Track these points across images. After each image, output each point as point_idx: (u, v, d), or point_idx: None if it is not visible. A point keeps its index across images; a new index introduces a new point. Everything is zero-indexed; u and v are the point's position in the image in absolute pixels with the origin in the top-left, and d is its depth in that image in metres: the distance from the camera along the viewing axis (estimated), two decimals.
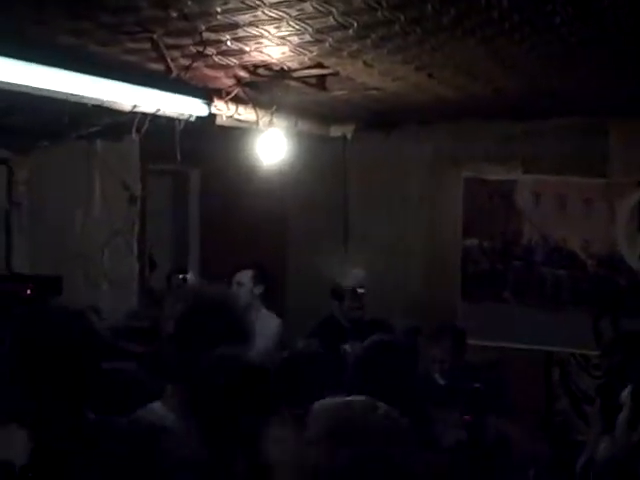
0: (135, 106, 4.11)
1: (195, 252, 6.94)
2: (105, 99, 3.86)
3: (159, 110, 4.20)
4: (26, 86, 3.58)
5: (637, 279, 6.02)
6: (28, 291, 5.61)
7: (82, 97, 3.76)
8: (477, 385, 4.34)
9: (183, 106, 4.14)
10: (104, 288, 6.08)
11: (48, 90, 3.60)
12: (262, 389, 2.36)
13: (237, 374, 2.31)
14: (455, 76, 4.65)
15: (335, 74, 4.52)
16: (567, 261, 6.27)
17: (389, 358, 3.33)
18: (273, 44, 3.82)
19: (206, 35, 3.63)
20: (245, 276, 5.65)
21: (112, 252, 6.13)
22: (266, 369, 2.45)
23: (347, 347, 5.01)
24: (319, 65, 4.30)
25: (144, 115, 4.64)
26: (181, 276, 6.11)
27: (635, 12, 3.25)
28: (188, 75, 4.23)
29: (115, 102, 4.04)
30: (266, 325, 5.41)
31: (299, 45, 3.84)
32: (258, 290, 5.66)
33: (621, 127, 6.00)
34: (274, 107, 5.19)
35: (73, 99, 3.87)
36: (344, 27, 3.49)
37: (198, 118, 4.37)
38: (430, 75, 4.57)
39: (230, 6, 3.19)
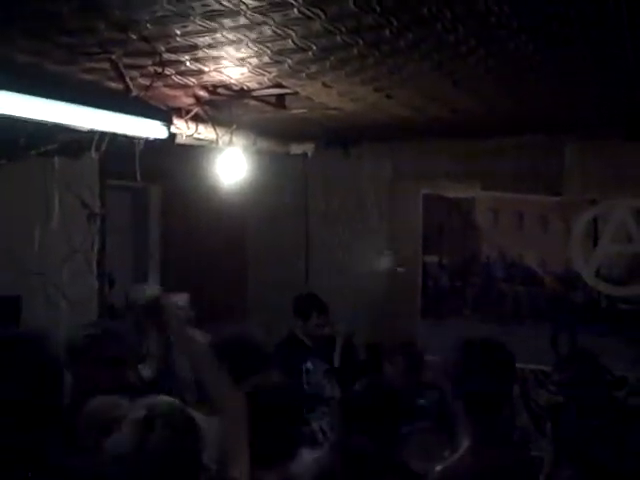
0: (93, 127, 4.09)
1: (155, 269, 6.89)
2: (63, 120, 3.82)
3: (118, 130, 4.18)
4: None
5: (593, 295, 6.12)
6: None
7: (40, 119, 3.72)
8: (422, 402, 4.39)
9: (142, 127, 4.12)
10: (63, 307, 6.01)
11: (3, 113, 3.56)
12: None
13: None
14: (413, 97, 4.71)
15: (294, 94, 4.55)
16: (525, 277, 6.36)
17: (381, 401, 3.33)
18: (232, 65, 3.85)
19: (165, 56, 3.65)
20: (181, 299, 5.52)
21: (71, 270, 6.07)
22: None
23: (309, 366, 5.00)
24: (278, 85, 4.33)
25: (103, 133, 4.62)
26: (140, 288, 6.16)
27: (584, 36, 3.33)
28: (148, 94, 4.23)
29: (73, 123, 4.01)
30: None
31: (258, 66, 3.87)
32: (192, 314, 5.53)
33: (576, 145, 6.11)
34: (234, 126, 5.20)
35: (31, 119, 3.84)
36: (303, 50, 3.53)
37: (157, 138, 4.36)
38: (388, 96, 4.63)
39: (189, 29, 3.21)
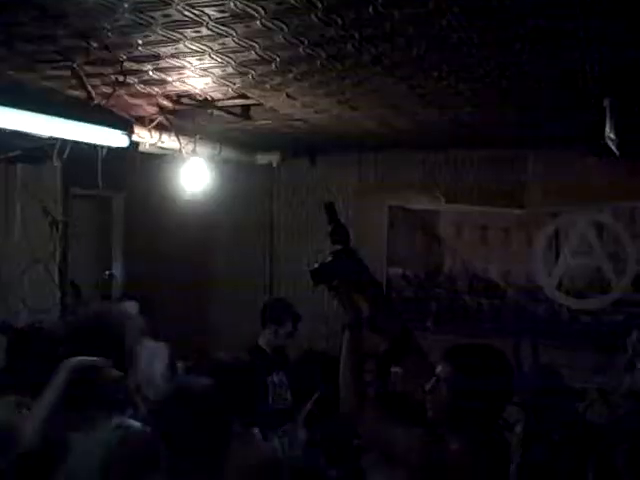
0: (55, 134, 4.05)
1: (118, 277, 6.82)
2: (23, 128, 3.78)
3: (79, 138, 4.14)
4: None
5: (555, 308, 6.17)
6: None
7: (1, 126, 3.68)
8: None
9: (103, 135, 4.09)
10: (24, 315, 5.93)
11: None
12: None
13: None
14: (377, 109, 4.72)
15: (259, 105, 4.54)
16: (488, 290, 6.39)
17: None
18: (196, 75, 3.83)
19: (127, 65, 3.62)
20: (131, 307, 5.45)
21: (32, 279, 5.99)
22: None
23: (274, 378, 4.86)
24: (243, 96, 4.32)
25: (65, 141, 4.57)
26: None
27: (547, 53, 3.36)
28: (110, 103, 4.19)
29: (34, 131, 3.97)
30: (156, 353, 5.26)
31: (222, 77, 3.86)
32: (142, 323, 5.45)
33: (539, 158, 6.17)
34: (197, 135, 5.18)
35: None
36: (266, 61, 3.53)
37: (118, 147, 4.33)
38: (353, 108, 4.64)
39: (151, 38, 3.18)
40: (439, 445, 2.41)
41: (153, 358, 5.14)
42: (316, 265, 2.87)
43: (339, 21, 2.90)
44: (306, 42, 3.20)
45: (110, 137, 4.10)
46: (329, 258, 2.92)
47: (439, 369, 2.51)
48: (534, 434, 4.44)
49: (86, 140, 4.10)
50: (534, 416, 4.50)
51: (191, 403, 2.37)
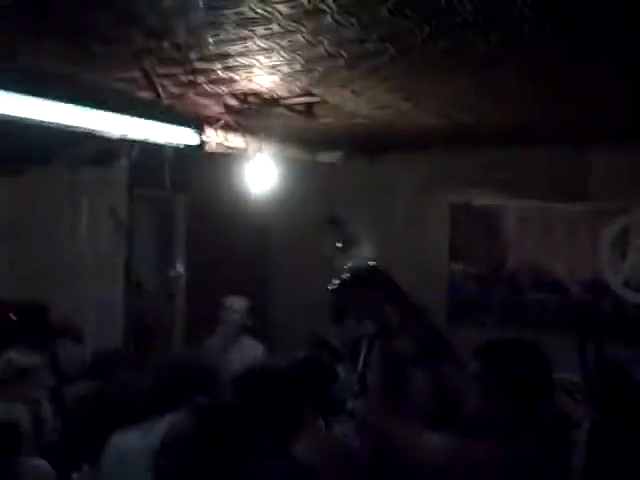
0: (124, 134, 4.13)
1: (182, 277, 6.92)
2: (94, 128, 3.87)
3: (149, 138, 4.22)
4: (17, 115, 3.59)
5: (621, 305, 6.07)
6: (13, 317, 5.61)
7: (73, 126, 3.77)
8: None
9: (173, 134, 4.16)
10: (91, 314, 6.06)
11: (37, 120, 3.61)
12: None
13: None
14: (441, 105, 4.71)
15: (323, 102, 4.57)
16: (551, 287, 6.31)
17: None
18: (263, 73, 3.87)
19: (197, 64, 3.68)
20: (238, 303, 5.58)
21: (99, 278, 6.12)
22: None
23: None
24: (308, 93, 4.35)
25: (133, 142, 4.66)
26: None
27: (611, 39, 3.32)
28: (179, 103, 4.27)
29: (104, 131, 4.06)
30: (250, 353, 5.37)
31: (289, 74, 3.89)
32: (248, 321, 5.59)
33: (604, 153, 6.06)
34: (263, 134, 5.23)
35: (62, 128, 3.89)
36: (334, 57, 3.54)
37: (188, 146, 4.39)
38: (417, 104, 4.63)
39: (222, 37, 3.24)
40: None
41: (248, 355, 5.23)
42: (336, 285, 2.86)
43: (409, 13, 2.90)
44: (374, 36, 3.21)
45: (181, 136, 4.16)
46: (347, 275, 2.90)
47: (471, 367, 2.47)
48: (602, 431, 4.37)
49: (157, 139, 4.17)
50: (602, 413, 4.44)
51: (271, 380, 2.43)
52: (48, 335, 4.86)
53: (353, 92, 4.30)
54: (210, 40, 3.29)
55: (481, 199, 6.50)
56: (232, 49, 3.41)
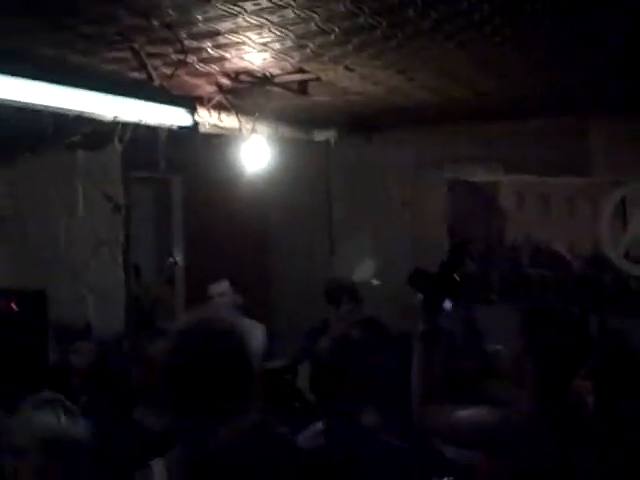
0: (117, 116, 4.08)
1: (179, 259, 6.89)
2: (86, 110, 3.82)
3: (142, 119, 4.16)
4: (6, 99, 3.54)
5: (622, 278, 6.05)
6: (14, 306, 5.57)
7: (63, 108, 3.72)
8: None
9: (166, 115, 4.11)
10: (90, 299, 6.03)
11: (28, 102, 3.56)
12: None
13: None
14: (435, 79, 4.65)
15: (316, 79, 4.52)
16: (552, 261, 6.29)
17: None
18: (254, 50, 3.82)
19: (187, 43, 3.63)
20: (223, 287, 5.55)
21: (97, 262, 6.08)
22: None
23: None
24: (300, 70, 4.30)
25: (126, 124, 4.61)
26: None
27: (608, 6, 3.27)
28: (170, 83, 4.21)
29: (97, 113, 4.01)
30: (250, 331, 5.33)
31: (280, 51, 3.84)
32: (239, 300, 5.56)
33: (602, 126, 6.01)
34: (256, 114, 5.18)
35: (54, 110, 3.84)
36: (326, 33, 3.50)
37: (181, 126, 4.34)
38: (410, 79, 4.58)
39: (211, 14, 3.18)
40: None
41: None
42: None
43: None
44: (367, 10, 3.16)
45: (174, 116, 4.12)
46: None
47: (512, 340, 2.45)
48: (606, 403, 4.36)
49: (150, 120, 4.12)
50: (605, 387, 4.43)
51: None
52: None
53: (346, 68, 4.25)
54: (199, 17, 3.23)
55: (478, 174, 6.47)
56: (222, 26, 3.36)
